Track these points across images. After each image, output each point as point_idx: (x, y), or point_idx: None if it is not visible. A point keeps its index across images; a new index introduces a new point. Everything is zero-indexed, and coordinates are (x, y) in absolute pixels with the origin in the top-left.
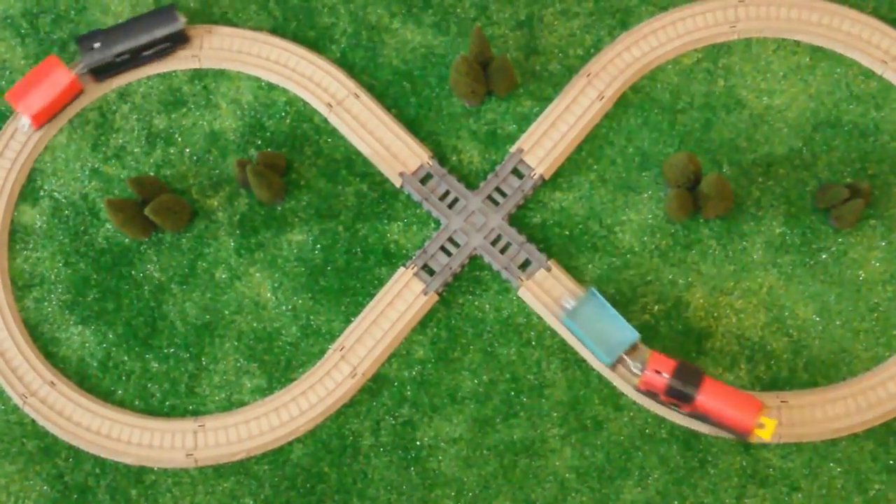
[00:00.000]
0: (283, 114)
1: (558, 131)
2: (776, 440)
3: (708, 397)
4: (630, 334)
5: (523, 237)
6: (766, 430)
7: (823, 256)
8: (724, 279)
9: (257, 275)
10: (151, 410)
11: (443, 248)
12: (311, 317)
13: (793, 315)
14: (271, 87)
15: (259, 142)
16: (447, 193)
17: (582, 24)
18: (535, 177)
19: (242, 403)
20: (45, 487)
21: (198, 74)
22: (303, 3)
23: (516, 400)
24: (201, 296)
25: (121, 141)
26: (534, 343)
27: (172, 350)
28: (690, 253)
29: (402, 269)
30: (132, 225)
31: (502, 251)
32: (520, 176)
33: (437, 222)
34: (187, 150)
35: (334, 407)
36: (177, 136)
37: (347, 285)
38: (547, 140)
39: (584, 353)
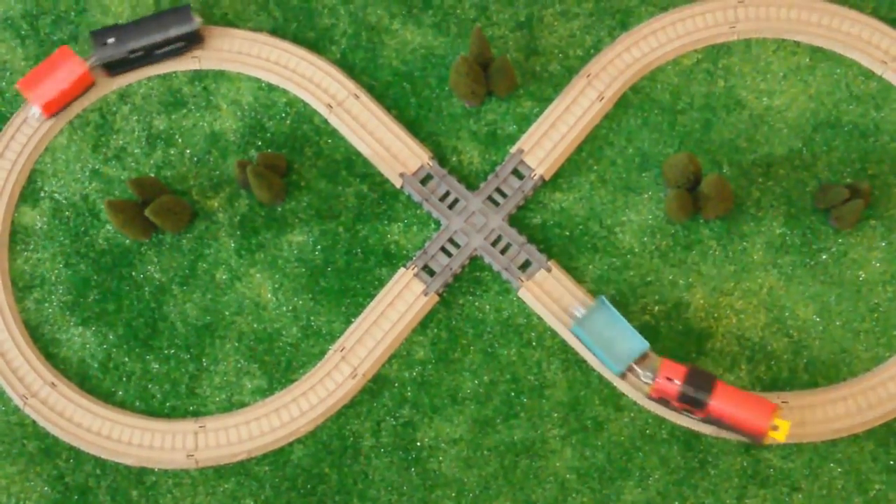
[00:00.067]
0: (284, 115)
1: (558, 132)
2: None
3: (721, 402)
4: (640, 343)
5: (524, 238)
6: (780, 432)
7: (824, 257)
8: (725, 280)
9: (258, 276)
10: (152, 411)
11: (443, 249)
12: (312, 317)
13: (793, 315)
14: (271, 87)
15: (259, 143)
16: (447, 194)
17: (582, 24)
18: (535, 177)
19: (243, 404)
20: (46, 488)
21: (198, 75)
22: (303, 4)
23: (517, 400)
24: (202, 297)
25: (121, 142)
26: (534, 344)
27: (173, 351)
28: (691, 253)
29: (402, 269)
30: (132, 226)
31: (503, 252)
32: (520, 176)
33: (438, 223)
34: (188, 151)
35: (335, 408)
36: (177, 137)
37: (348, 286)
38: (547, 141)
39: (585, 353)
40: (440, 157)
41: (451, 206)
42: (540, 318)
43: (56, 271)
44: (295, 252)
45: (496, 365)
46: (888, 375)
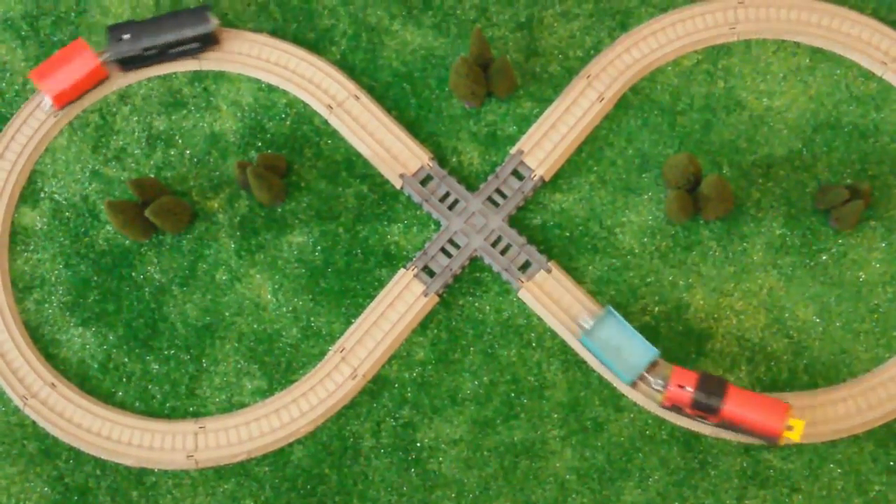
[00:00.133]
0: (284, 115)
1: (558, 133)
2: None
3: (734, 406)
4: (650, 352)
5: (524, 239)
6: (795, 432)
7: (824, 258)
8: (725, 280)
9: (258, 276)
10: (152, 412)
11: (443, 250)
12: (312, 318)
13: (793, 316)
14: (271, 88)
15: (259, 143)
16: (447, 195)
17: (582, 25)
18: (535, 178)
19: (243, 405)
20: (46, 489)
21: (198, 76)
22: (303, 5)
23: (517, 401)
24: (202, 297)
25: (121, 143)
26: (534, 344)
27: (173, 352)
28: (691, 254)
29: (402, 270)
30: (132, 227)
31: (503, 253)
32: (520, 177)
33: (438, 224)
34: (187, 151)
35: (335, 408)
36: (177, 137)
37: (348, 287)
38: (547, 141)
39: (585, 354)
40: (440, 158)
41: (451, 207)
42: (540, 319)
43: (56, 272)
44: (295, 253)
45: (496, 366)
46: (888, 376)
